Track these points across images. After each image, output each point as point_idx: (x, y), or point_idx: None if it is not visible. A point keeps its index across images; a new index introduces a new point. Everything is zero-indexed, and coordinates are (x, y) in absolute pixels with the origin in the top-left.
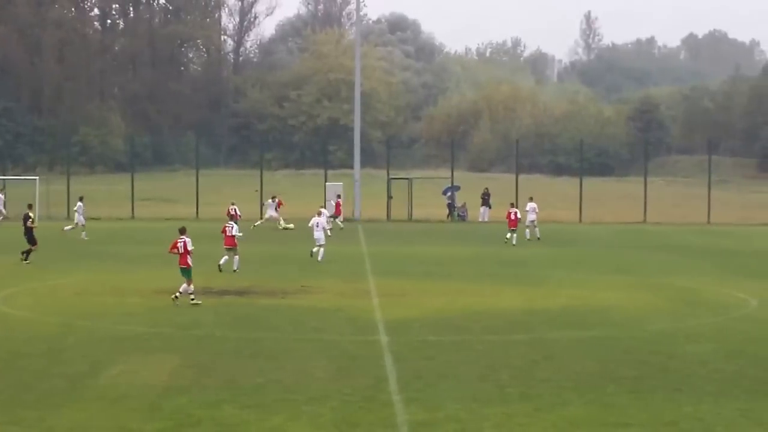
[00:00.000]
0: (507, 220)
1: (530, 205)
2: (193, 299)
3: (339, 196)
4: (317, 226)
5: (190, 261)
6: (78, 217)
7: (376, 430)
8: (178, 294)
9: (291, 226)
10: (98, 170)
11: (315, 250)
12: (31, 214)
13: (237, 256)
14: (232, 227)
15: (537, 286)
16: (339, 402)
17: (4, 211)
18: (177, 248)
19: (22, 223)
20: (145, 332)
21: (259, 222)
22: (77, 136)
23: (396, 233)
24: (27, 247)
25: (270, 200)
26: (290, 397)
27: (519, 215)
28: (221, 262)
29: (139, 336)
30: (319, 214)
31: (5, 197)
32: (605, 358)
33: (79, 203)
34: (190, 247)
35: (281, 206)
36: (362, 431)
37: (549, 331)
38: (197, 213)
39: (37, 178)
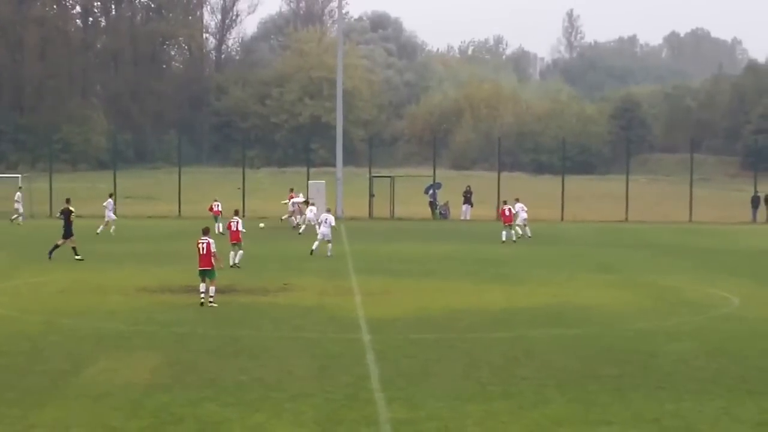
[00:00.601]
0: (501, 217)
1: (519, 205)
2: (211, 301)
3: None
4: (325, 222)
5: (213, 262)
6: (108, 214)
7: (358, 428)
8: (205, 299)
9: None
10: (81, 168)
11: (317, 245)
12: (72, 208)
13: (241, 251)
14: (237, 222)
15: (519, 285)
16: (321, 400)
17: (21, 209)
18: (197, 250)
19: (63, 217)
20: (127, 330)
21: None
22: (59, 134)
23: (378, 231)
24: (57, 243)
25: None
26: (272, 395)
27: (513, 211)
28: (236, 260)
29: (121, 334)
30: (309, 203)
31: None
32: (587, 356)
33: (109, 200)
34: (213, 249)
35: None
36: (345, 429)
37: (531, 329)
38: (179, 211)
39: (20, 176)
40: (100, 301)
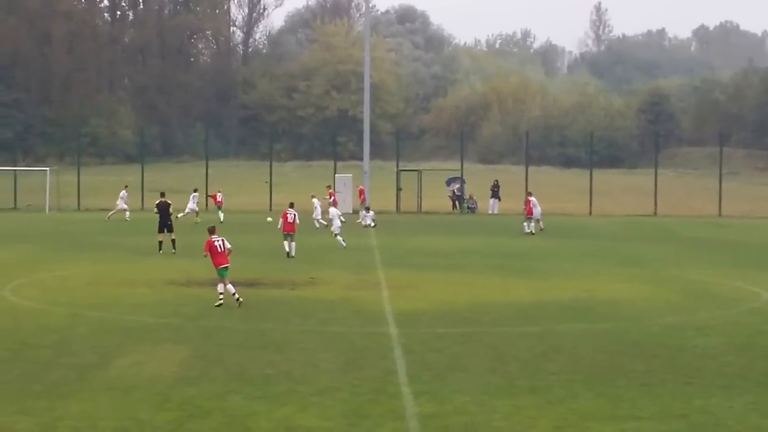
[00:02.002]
0: (526, 208)
1: (533, 200)
2: (238, 297)
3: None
4: (339, 216)
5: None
6: (192, 205)
7: (385, 422)
8: (227, 297)
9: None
10: (108, 161)
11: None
12: (169, 201)
13: (293, 243)
14: (295, 215)
15: (546, 279)
16: (348, 394)
17: (125, 206)
18: (214, 248)
19: (159, 211)
20: (154, 323)
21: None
22: (87, 127)
23: (405, 225)
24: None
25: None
26: (299, 388)
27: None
28: (288, 253)
29: (148, 327)
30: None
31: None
32: (615, 351)
33: (195, 194)
34: (228, 246)
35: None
36: (371, 423)
37: (558, 323)
38: (206, 204)
39: (48, 169)
40: (127, 294)
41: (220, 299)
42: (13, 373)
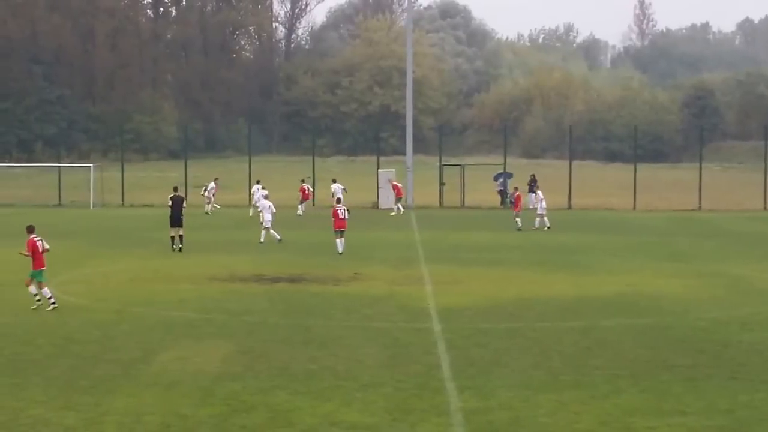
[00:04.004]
0: (515, 203)
1: (538, 194)
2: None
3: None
4: (270, 209)
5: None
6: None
7: (429, 417)
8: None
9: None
10: (151, 157)
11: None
12: (182, 195)
13: (343, 239)
14: (344, 210)
15: (589, 274)
16: (391, 389)
17: (212, 197)
18: (36, 248)
19: (174, 206)
20: (197, 319)
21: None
22: (130, 123)
23: (448, 220)
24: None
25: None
26: (342, 383)
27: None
28: (340, 250)
29: (191, 323)
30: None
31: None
32: (659, 346)
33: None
34: (47, 246)
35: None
36: (415, 418)
37: (602, 318)
38: (249, 199)
39: (92, 165)
40: (170, 290)
41: (38, 301)
42: (59, 369)
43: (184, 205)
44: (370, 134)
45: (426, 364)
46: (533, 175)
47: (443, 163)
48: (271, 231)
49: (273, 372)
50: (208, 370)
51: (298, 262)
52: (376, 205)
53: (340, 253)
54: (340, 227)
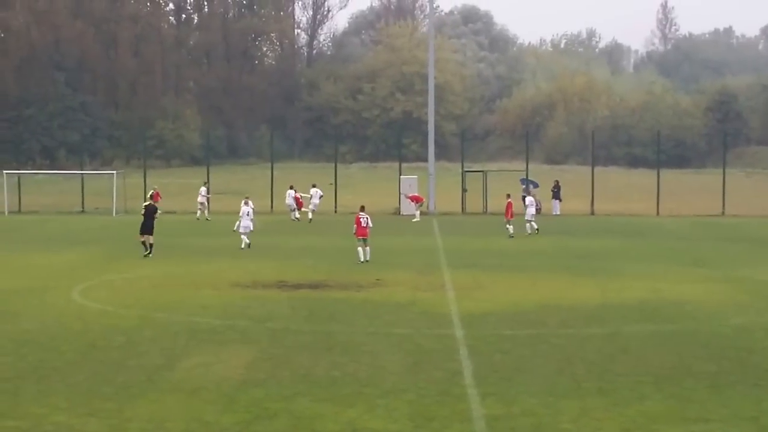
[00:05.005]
0: (507, 210)
1: (529, 199)
2: None
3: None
4: (248, 216)
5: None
6: (315, 200)
7: (452, 424)
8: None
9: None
10: (174, 164)
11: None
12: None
13: (368, 247)
14: (367, 219)
15: (613, 279)
16: (414, 395)
17: (206, 203)
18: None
19: (147, 215)
20: (220, 325)
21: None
22: (153, 130)
23: (471, 226)
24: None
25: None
26: (365, 390)
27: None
28: (362, 258)
29: (214, 329)
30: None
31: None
32: (683, 353)
33: (315, 189)
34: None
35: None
36: (438, 425)
37: (625, 324)
38: (272, 206)
39: (115, 172)
40: (193, 296)
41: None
42: (82, 375)
43: (156, 215)
44: (392, 140)
45: (449, 371)
46: (557, 181)
47: (465, 169)
48: (242, 236)
49: (296, 378)
50: (231, 377)
51: (320, 269)
52: (398, 212)
53: (362, 261)
54: (362, 235)
